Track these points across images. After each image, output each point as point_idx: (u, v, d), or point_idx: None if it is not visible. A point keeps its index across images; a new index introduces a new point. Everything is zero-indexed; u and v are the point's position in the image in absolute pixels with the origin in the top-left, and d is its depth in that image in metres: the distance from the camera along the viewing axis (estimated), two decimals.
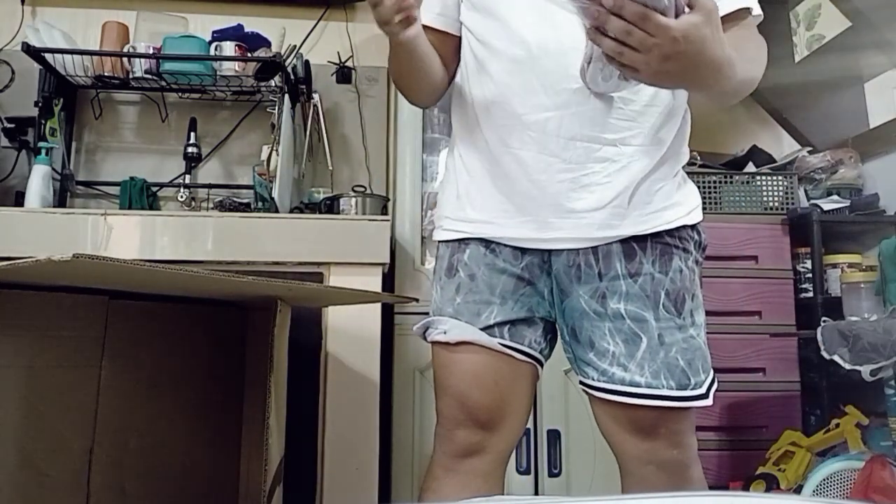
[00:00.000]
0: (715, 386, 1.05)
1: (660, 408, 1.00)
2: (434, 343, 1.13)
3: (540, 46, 1.02)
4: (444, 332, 1.09)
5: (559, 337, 1.14)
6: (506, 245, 1.09)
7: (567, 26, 0.99)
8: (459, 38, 1.16)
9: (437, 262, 1.18)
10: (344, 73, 2.36)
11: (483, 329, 1.07)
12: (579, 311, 1.05)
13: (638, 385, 1.00)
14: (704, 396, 1.02)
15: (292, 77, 2.15)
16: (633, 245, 1.04)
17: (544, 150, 1.03)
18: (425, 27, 1.08)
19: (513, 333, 1.08)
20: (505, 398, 1.09)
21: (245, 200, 2.19)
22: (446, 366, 1.11)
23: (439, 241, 1.18)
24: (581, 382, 1.09)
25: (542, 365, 1.13)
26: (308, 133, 2.28)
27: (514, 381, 1.09)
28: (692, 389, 1.01)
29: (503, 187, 1.08)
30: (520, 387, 1.10)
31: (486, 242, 1.10)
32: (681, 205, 1.07)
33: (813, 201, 2.30)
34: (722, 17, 0.91)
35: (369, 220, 1.82)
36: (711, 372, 1.05)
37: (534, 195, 1.05)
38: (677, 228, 1.06)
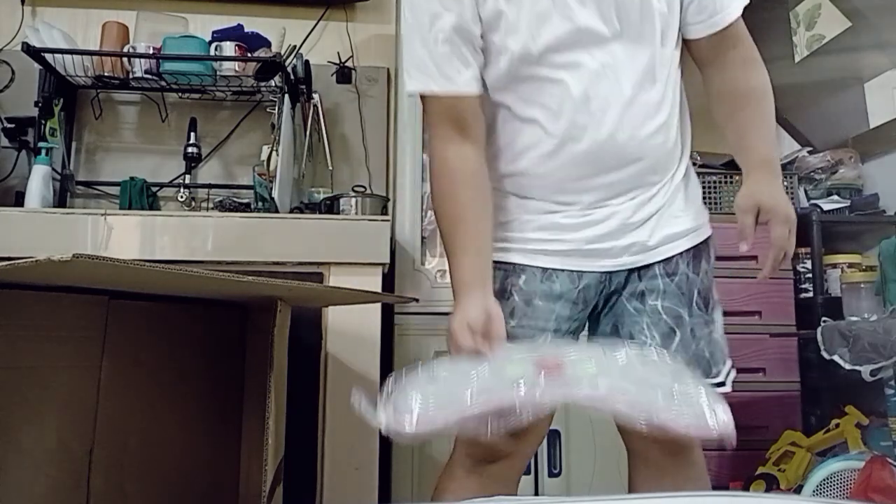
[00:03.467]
0: (733, 374, 1.16)
1: None
2: None
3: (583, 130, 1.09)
4: None
5: (592, 333, 1.21)
6: (563, 270, 1.13)
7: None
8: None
9: None
10: (344, 73, 2.36)
11: None
12: (620, 309, 1.15)
13: None
14: (723, 384, 1.13)
15: (292, 77, 2.15)
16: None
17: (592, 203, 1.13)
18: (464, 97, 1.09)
19: None
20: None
21: (245, 200, 2.19)
22: None
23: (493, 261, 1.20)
24: None
25: None
26: (308, 133, 2.27)
27: None
28: (713, 378, 1.12)
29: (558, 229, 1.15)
30: None
31: (543, 269, 1.14)
32: (705, 213, 1.21)
33: (813, 201, 2.30)
34: (720, 33, 1.12)
35: (369, 220, 1.82)
36: (729, 361, 1.17)
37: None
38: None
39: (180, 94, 2.28)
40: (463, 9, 1.05)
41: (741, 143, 1.16)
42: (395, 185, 2.15)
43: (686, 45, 1.16)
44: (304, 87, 2.23)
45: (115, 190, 2.22)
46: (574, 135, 1.07)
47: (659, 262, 1.13)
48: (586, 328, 1.21)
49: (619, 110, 1.06)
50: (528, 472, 1.93)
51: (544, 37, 1.04)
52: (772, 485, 1.84)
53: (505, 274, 1.14)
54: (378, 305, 1.78)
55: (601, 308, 1.17)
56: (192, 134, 2.26)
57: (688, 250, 1.14)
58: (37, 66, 2.08)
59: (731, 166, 2.42)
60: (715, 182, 2.31)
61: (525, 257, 1.14)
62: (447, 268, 1.10)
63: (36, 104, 2.08)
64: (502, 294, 1.12)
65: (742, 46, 1.15)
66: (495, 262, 1.14)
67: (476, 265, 1.06)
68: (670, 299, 1.12)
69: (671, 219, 1.14)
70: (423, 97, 1.11)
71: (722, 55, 1.14)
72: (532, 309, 1.12)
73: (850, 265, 2.18)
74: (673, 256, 1.13)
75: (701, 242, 1.16)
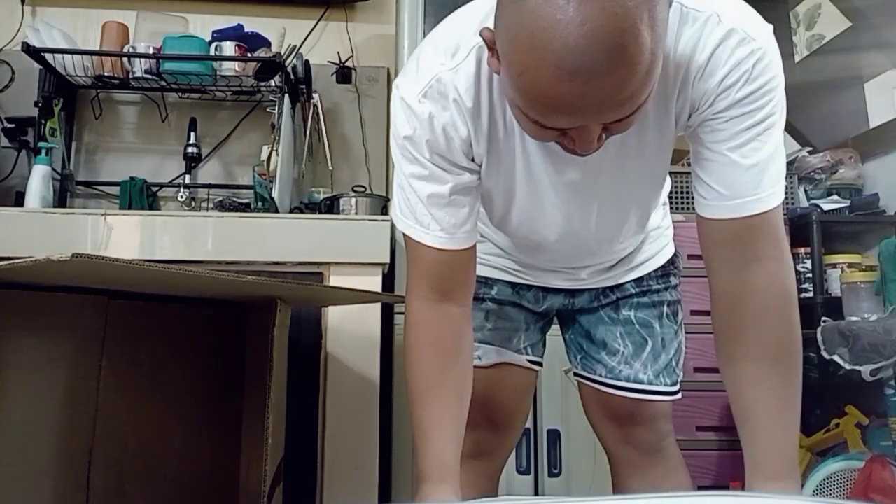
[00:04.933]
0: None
1: (644, 401, 1.14)
2: None
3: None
4: (479, 358, 1.12)
5: (566, 335, 1.25)
6: (530, 287, 1.17)
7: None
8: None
9: None
10: (344, 73, 2.36)
11: (513, 351, 1.17)
12: (595, 318, 1.18)
13: (640, 382, 1.14)
14: (679, 391, 1.18)
15: (292, 77, 2.15)
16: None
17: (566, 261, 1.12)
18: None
19: (534, 350, 1.20)
20: (520, 401, 1.21)
21: (245, 200, 2.19)
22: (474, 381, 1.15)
23: None
24: (580, 375, 1.21)
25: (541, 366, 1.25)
26: (308, 133, 2.28)
27: (528, 386, 1.22)
28: (676, 385, 1.17)
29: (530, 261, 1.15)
30: (529, 391, 1.23)
31: (513, 284, 1.17)
32: (669, 235, 1.20)
33: (813, 201, 2.29)
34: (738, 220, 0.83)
35: (369, 220, 1.82)
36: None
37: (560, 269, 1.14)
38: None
39: (180, 94, 2.28)
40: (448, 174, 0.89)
41: (748, 416, 0.86)
42: None
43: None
44: (304, 87, 2.23)
45: (115, 190, 2.23)
46: (519, 239, 1.07)
47: (633, 282, 1.16)
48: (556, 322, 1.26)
49: (573, 241, 1.03)
50: (528, 472, 1.94)
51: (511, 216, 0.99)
52: None
53: (478, 284, 1.11)
54: (378, 305, 1.78)
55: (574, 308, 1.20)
56: (192, 134, 2.26)
57: (656, 271, 1.17)
58: (37, 66, 2.08)
59: None
60: None
61: (494, 272, 1.16)
62: None
63: (36, 104, 2.08)
64: (477, 300, 1.11)
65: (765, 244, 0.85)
66: None
67: (437, 454, 0.89)
68: (643, 310, 1.15)
69: (638, 254, 1.15)
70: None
71: (732, 245, 0.86)
72: (505, 312, 1.16)
73: (850, 265, 2.18)
74: (644, 278, 1.16)
75: (667, 262, 1.18)
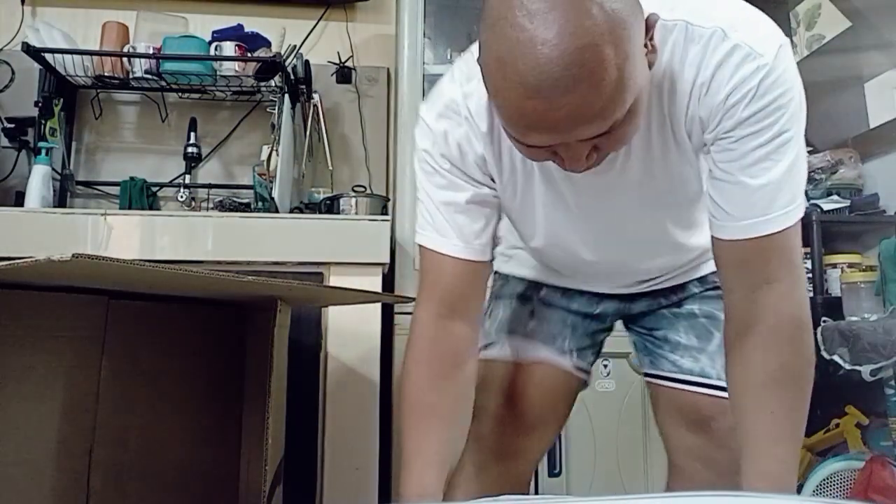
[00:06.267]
0: None
1: (720, 400, 1.01)
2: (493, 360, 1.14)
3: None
4: (517, 353, 1.11)
5: (631, 335, 1.21)
6: (582, 292, 1.14)
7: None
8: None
9: (502, 285, 1.20)
10: (344, 73, 2.36)
11: (556, 350, 1.13)
12: (657, 314, 1.14)
13: (709, 377, 1.06)
14: None
15: (292, 77, 2.15)
16: None
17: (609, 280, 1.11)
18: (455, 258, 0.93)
19: (580, 355, 1.15)
20: (555, 404, 1.15)
21: (245, 200, 2.19)
22: (506, 375, 1.12)
23: (513, 276, 1.18)
24: (649, 374, 1.15)
25: (590, 374, 1.20)
26: (308, 133, 2.28)
27: (567, 391, 1.16)
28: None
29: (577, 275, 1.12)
30: (568, 396, 1.17)
31: (563, 288, 1.14)
32: None
33: (813, 201, 2.29)
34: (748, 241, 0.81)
35: (369, 220, 1.82)
36: None
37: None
38: None
39: (180, 94, 2.28)
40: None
41: (747, 440, 0.85)
42: (395, 185, 2.14)
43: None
44: (304, 87, 2.23)
45: (115, 190, 2.22)
46: (557, 257, 1.06)
47: (693, 279, 1.12)
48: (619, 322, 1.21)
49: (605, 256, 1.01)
50: None
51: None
52: None
53: (525, 284, 1.15)
54: (378, 305, 1.78)
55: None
56: (192, 134, 2.26)
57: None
58: (37, 66, 2.08)
59: None
60: None
61: (541, 275, 1.14)
62: None
63: (36, 104, 2.08)
64: (523, 298, 1.12)
65: (777, 273, 0.82)
66: (515, 276, 1.16)
67: (416, 481, 0.88)
68: (706, 303, 1.10)
69: (701, 265, 1.12)
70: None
71: (743, 266, 0.85)
72: (549, 313, 1.13)
73: (850, 265, 2.18)
74: (706, 274, 1.12)
75: None
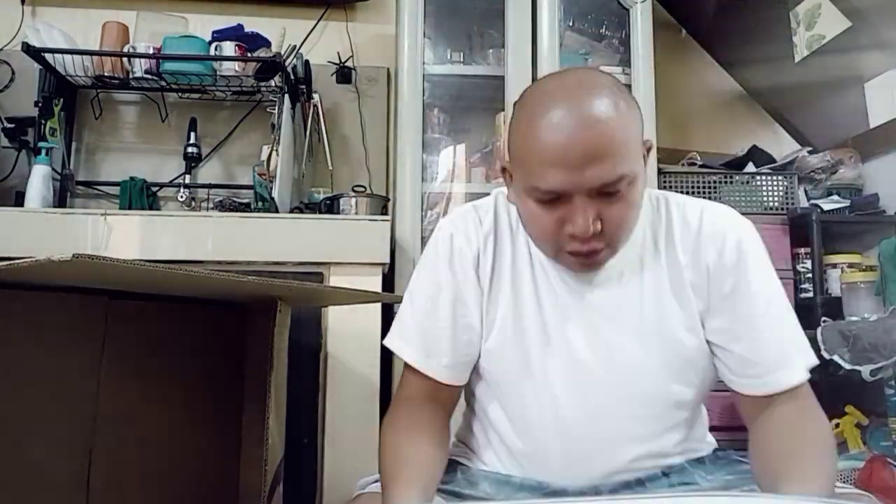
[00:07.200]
0: None
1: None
2: None
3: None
4: None
5: None
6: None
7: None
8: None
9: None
10: (344, 73, 2.37)
11: None
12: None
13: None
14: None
15: (292, 77, 2.15)
16: None
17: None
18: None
19: None
20: None
21: (245, 200, 2.19)
22: None
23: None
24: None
25: None
26: (308, 133, 2.28)
27: None
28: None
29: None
30: None
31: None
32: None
33: (813, 201, 2.29)
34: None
35: (369, 220, 1.82)
36: None
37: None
38: None
39: (180, 94, 2.28)
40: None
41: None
42: (395, 185, 2.15)
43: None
44: (304, 87, 2.23)
45: (115, 190, 2.23)
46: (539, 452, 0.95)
47: None
48: None
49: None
50: None
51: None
52: None
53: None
54: (378, 305, 1.78)
55: None
56: (192, 134, 2.26)
57: None
58: (37, 66, 2.08)
59: (732, 166, 2.43)
60: (715, 182, 2.31)
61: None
62: None
63: (36, 104, 2.08)
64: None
65: (798, 401, 0.92)
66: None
67: (406, 493, 0.82)
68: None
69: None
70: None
71: (769, 409, 0.91)
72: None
73: (850, 265, 2.18)
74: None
75: None
